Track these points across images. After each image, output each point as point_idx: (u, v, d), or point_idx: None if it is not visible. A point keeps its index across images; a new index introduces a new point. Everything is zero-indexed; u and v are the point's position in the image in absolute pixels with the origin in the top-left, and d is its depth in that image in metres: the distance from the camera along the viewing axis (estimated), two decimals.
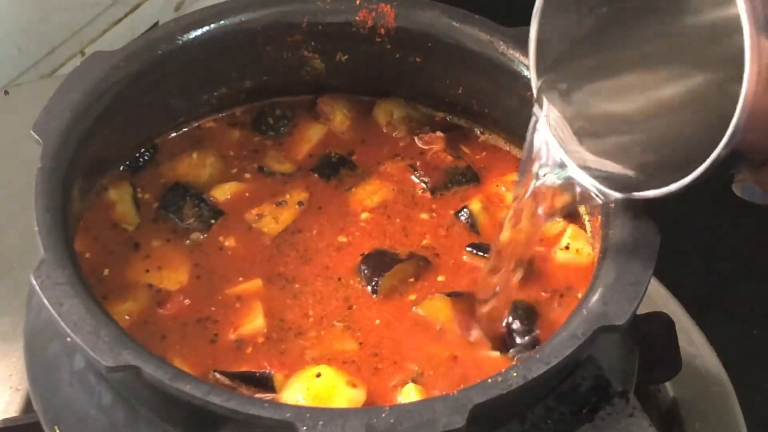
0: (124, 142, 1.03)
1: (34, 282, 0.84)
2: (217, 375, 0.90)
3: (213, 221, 1.02)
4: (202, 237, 1.01)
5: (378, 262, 0.98)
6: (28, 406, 1.09)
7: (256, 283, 0.97)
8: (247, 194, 1.04)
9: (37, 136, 0.92)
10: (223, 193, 1.03)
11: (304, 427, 0.78)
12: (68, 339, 0.82)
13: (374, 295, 0.97)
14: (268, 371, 0.90)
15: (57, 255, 0.85)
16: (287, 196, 1.04)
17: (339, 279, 0.98)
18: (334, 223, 1.02)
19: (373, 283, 0.97)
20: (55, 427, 0.91)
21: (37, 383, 0.94)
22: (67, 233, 0.89)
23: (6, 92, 1.43)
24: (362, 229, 1.02)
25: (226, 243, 1.00)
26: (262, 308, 0.95)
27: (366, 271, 0.98)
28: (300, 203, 1.03)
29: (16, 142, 1.20)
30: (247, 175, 1.05)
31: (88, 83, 0.96)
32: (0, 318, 1.18)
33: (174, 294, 0.96)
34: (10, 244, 1.23)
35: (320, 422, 0.78)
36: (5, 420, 1.06)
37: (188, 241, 1.00)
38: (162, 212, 1.02)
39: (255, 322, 0.94)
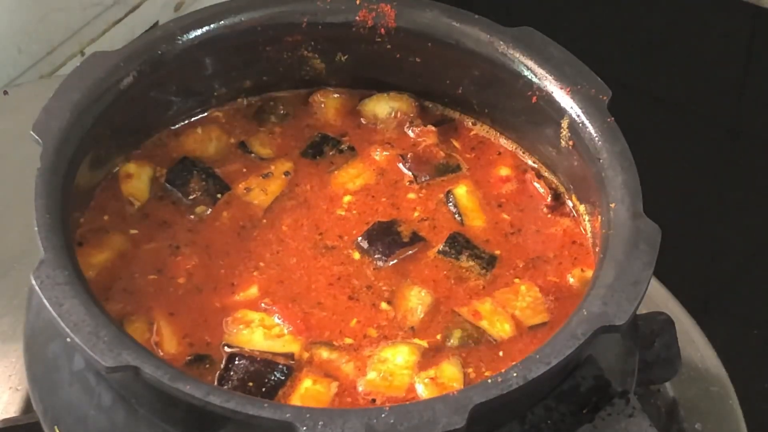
0: (124, 142, 1.03)
1: (34, 282, 0.84)
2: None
3: (219, 195, 1.02)
4: (208, 211, 1.01)
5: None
6: (27, 406, 1.09)
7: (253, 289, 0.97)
8: (244, 170, 1.04)
9: (37, 136, 0.92)
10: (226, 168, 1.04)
11: (304, 428, 0.78)
12: (68, 339, 0.82)
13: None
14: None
15: (57, 255, 0.85)
16: (272, 167, 1.04)
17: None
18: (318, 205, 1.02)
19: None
20: (55, 427, 0.91)
21: (36, 383, 0.94)
22: (67, 233, 0.89)
23: (6, 92, 1.43)
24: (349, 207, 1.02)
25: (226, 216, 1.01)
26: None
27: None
28: (286, 173, 1.03)
29: (16, 142, 1.20)
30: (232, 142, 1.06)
31: (88, 83, 0.96)
32: (0, 318, 1.18)
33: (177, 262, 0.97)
34: (10, 244, 1.23)
35: (320, 423, 0.78)
36: (5, 420, 1.06)
37: (192, 216, 1.00)
38: (167, 187, 1.02)
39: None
